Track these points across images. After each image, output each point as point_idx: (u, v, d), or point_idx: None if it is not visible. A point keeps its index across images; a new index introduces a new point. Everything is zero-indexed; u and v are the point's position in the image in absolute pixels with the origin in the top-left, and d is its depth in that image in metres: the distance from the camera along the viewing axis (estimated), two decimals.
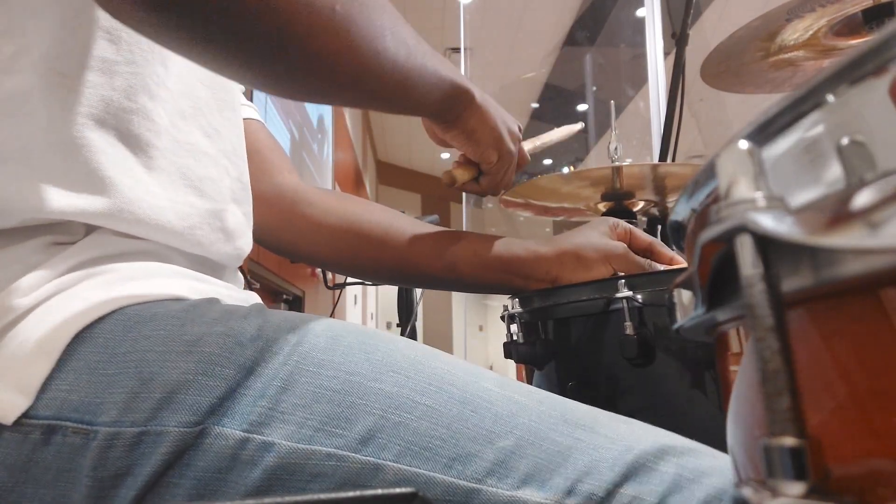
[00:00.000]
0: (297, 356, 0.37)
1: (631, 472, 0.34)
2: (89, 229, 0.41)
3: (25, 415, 0.34)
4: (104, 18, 0.41)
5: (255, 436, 0.34)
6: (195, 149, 0.48)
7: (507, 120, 0.62)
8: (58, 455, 0.34)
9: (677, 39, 1.23)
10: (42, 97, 0.39)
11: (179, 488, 0.33)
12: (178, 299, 0.41)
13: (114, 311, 0.38)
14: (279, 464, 0.34)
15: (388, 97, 0.46)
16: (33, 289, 0.37)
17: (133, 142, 0.43)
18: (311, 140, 3.61)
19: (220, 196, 0.49)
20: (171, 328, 0.37)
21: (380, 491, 0.27)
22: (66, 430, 0.34)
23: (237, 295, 0.49)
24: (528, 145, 0.70)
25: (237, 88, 0.57)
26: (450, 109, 0.55)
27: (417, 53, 0.46)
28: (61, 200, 0.39)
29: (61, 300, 0.38)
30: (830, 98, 0.16)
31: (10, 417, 0.34)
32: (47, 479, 0.34)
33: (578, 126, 0.84)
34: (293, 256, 0.70)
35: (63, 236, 0.40)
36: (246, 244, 0.53)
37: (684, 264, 0.64)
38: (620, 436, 0.36)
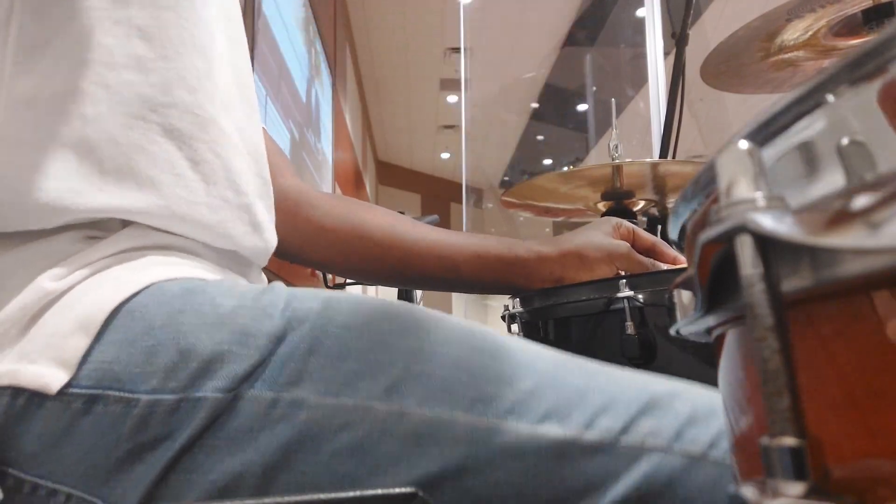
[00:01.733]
0: (322, 320, 0.38)
1: (647, 408, 0.35)
2: (125, 224, 0.43)
3: (68, 384, 0.36)
4: (137, 17, 0.43)
5: (284, 394, 0.35)
6: (230, 142, 0.49)
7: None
8: (97, 422, 0.35)
9: (677, 39, 1.23)
10: (81, 98, 0.41)
11: (213, 449, 0.35)
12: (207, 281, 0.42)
13: (148, 287, 0.39)
14: (309, 418, 0.35)
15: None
16: (69, 273, 0.39)
17: (177, 135, 0.44)
18: (311, 140, 3.61)
19: (249, 190, 0.50)
20: (205, 302, 0.39)
21: (380, 491, 0.27)
22: (108, 399, 0.36)
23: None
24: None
25: (255, 89, 0.57)
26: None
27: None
28: (103, 200, 0.41)
29: (96, 281, 0.39)
30: (830, 98, 0.16)
31: (53, 388, 0.36)
32: (86, 446, 0.35)
33: None
34: (296, 259, 0.70)
35: (99, 231, 0.42)
36: (272, 237, 0.54)
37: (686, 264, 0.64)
38: (636, 380, 0.37)
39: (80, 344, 0.37)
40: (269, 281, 0.47)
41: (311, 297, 0.40)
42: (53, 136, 0.40)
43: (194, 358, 0.36)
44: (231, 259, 0.50)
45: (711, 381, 0.54)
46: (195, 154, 0.45)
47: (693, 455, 0.33)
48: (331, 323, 0.38)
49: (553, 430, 0.34)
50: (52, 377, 0.36)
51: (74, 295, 0.39)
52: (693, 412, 0.35)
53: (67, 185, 0.40)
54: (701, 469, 0.33)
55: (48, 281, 0.38)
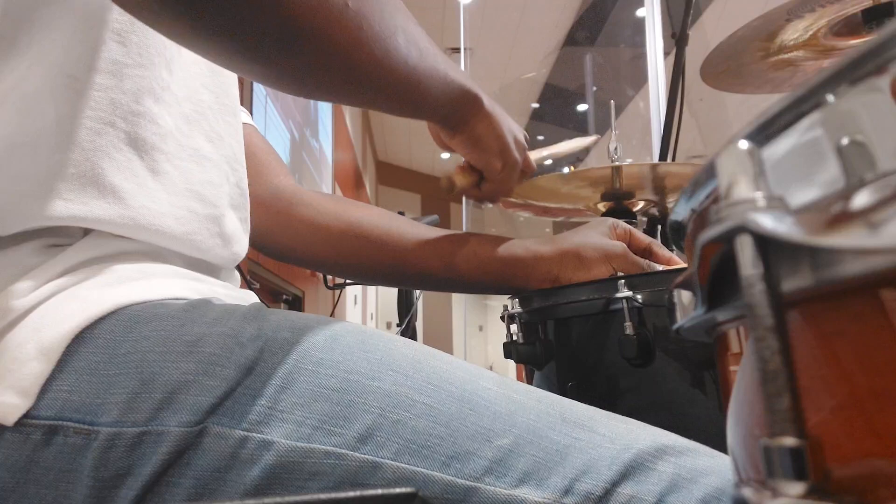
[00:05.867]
0: (296, 355, 0.37)
1: (629, 472, 0.34)
2: (87, 231, 0.41)
3: (26, 415, 0.34)
4: (115, 20, 0.42)
5: (254, 434, 0.34)
6: (198, 154, 0.48)
7: (514, 128, 0.61)
8: (59, 455, 0.34)
9: (677, 39, 1.23)
10: (52, 99, 0.39)
11: (179, 487, 0.34)
12: (177, 299, 0.41)
13: (114, 312, 0.38)
14: (278, 462, 0.34)
15: (398, 98, 0.46)
16: (31, 290, 0.37)
17: (140, 145, 0.43)
18: (311, 140, 3.61)
19: (220, 201, 0.49)
20: (172, 328, 0.37)
21: (380, 491, 0.27)
22: (68, 430, 0.34)
23: (235, 294, 0.49)
24: (536, 155, 0.69)
25: (237, 93, 0.57)
26: (457, 114, 0.55)
27: (429, 55, 0.46)
28: (62, 207, 0.39)
29: (60, 301, 0.37)
30: (830, 98, 0.16)
31: (10, 419, 0.34)
32: (49, 480, 0.34)
33: (593, 138, 0.82)
34: (291, 260, 0.70)
35: (61, 238, 0.40)
36: (241, 249, 0.53)
37: (682, 265, 0.64)
38: (619, 435, 0.36)
39: (41, 371, 0.35)
40: (250, 278, 0.46)
41: (285, 326, 0.38)
42: (16, 136, 0.38)
43: (157, 388, 0.34)
44: (199, 264, 0.49)
45: (710, 381, 0.54)
46: (155, 164, 0.44)
47: None
48: (305, 358, 0.37)
49: (530, 495, 0.33)
50: (10, 406, 0.34)
51: (37, 316, 0.37)
52: (676, 476, 0.34)
53: (31, 188, 0.38)
54: None
55: (10, 299, 0.37)
